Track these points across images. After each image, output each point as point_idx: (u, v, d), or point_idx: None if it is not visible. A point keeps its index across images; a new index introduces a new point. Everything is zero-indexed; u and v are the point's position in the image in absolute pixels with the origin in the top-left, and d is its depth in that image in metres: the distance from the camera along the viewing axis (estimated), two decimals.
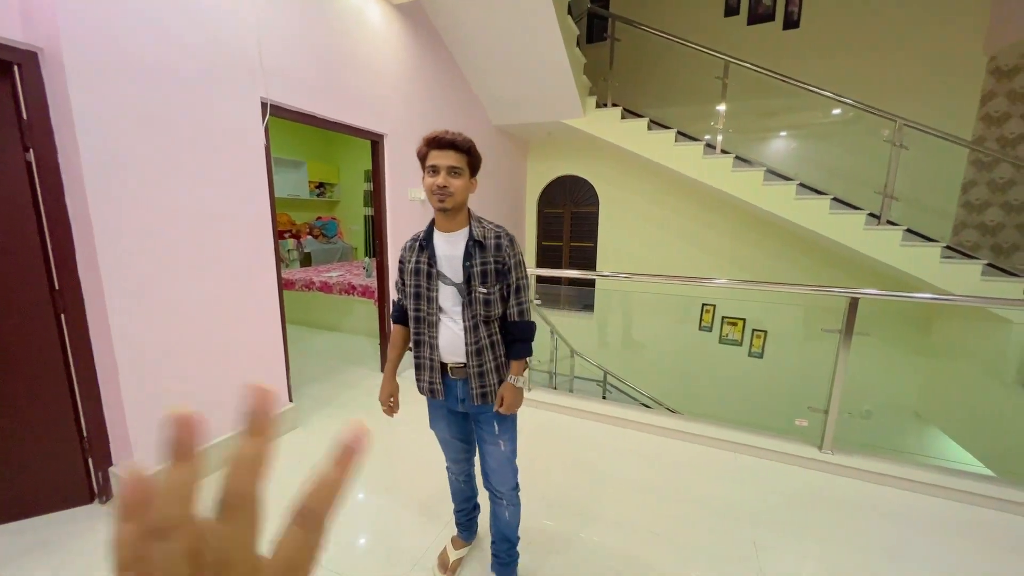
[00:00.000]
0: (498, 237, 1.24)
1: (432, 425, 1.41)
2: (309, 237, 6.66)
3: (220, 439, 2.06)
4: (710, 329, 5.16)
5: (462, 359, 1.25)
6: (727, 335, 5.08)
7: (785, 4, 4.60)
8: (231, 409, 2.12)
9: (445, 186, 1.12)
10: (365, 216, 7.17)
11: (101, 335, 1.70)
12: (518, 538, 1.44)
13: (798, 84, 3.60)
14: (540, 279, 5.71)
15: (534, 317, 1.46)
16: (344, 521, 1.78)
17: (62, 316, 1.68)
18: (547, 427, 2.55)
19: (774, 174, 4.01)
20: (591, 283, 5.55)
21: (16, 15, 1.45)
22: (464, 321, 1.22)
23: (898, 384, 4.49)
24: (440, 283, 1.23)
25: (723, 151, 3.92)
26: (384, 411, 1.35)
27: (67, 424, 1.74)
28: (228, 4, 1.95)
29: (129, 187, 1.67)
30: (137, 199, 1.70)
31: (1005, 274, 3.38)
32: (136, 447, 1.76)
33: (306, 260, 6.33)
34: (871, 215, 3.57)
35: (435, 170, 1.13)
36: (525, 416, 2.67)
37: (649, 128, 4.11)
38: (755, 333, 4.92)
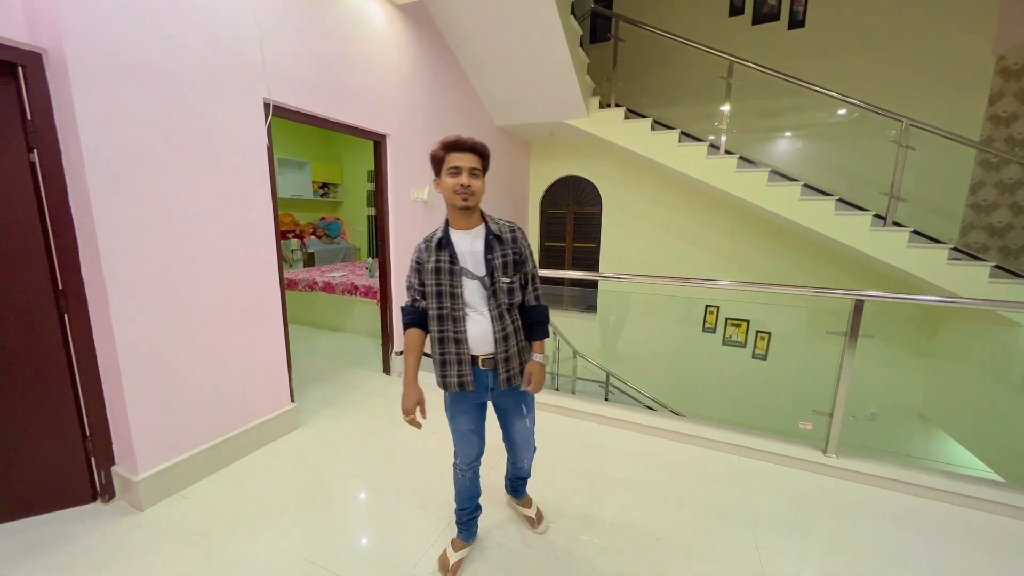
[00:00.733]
0: (512, 231, 1.36)
1: (454, 420, 1.43)
2: (313, 237, 6.69)
3: (222, 438, 2.07)
4: (714, 331, 5.14)
5: (491, 348, 1.32)
6: (731, 337, 5.06)
7: (790, 4, 4.57)
8: (233, 408, 2.13)
9: (468, 185, 1.23)
10: (368, 216, 7.19)
11: (104, 335, 1.71)
12: (530, 473, 1.70)
13: (803, 84, 3.58)
14: (543, 280, 5.70)
15: None
16: (343, 522, 1.78)
17: (65, 316, 1.69)
18: (548, 429, 2.54)
19: (779, 175, 3.99)
20: (594, 284, 5.53)
21: (20, 17, 1.46)
22: (490, 311, 1.31)
23: (904, 387, 4.45)
24: (464, 278, 1.29)
25: (727, 151, 3.90)
26: (408, 421, 1.32)
27: (70, 424, 1.75)
28: (230, 5, 1.96)
29: (132, 188, 1.68)
30: (140, 200, 1.70)
31: (1013, 276, 3.34)
32: (138, 447, 1.77)
33: (309, 260, 6.35)
34: (877, 216, 3.54)
35: (458, 171, 1.23)
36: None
37: (652, 128, 4.09)
38: (759, 335, 4.89)
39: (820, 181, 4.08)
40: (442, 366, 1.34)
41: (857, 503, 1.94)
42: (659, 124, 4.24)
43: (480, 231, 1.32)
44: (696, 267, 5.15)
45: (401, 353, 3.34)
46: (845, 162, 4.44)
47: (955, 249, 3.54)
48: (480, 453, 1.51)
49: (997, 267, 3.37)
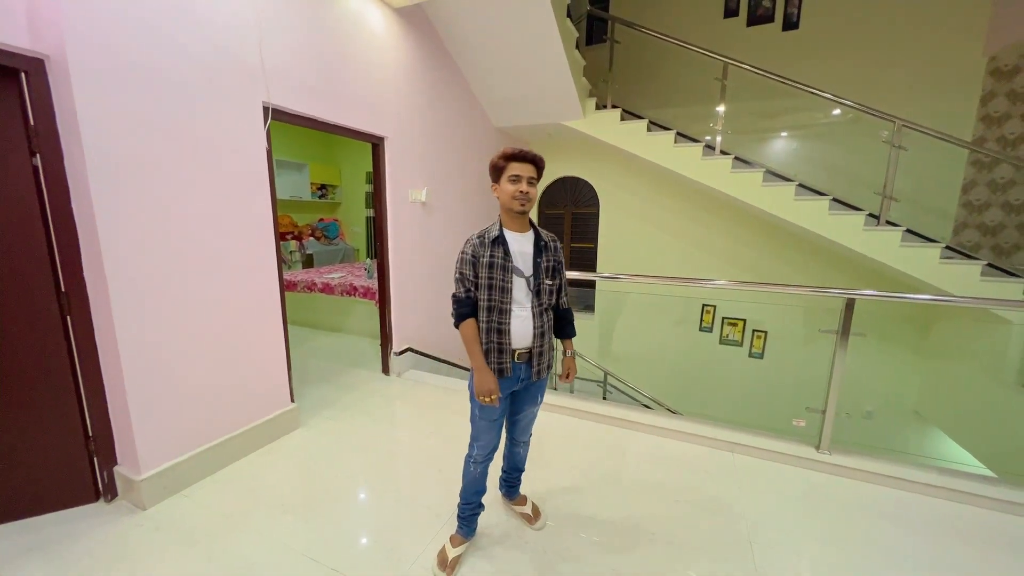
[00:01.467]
0: (554, 240, 1.54)
1: (484, 409, 1.47)
2: (311, 239, 6.70)
3: (223, 438, 2.09)
4: (710, 330, 5.18)
5: (528, 343, 1.45)
6: (727, 336, 5.10)
7: (784, 5, 4.61)
8: (234, 408, 2.15)
9: (527, 192, 1.37)
10: (367, 217, 7.21)
11: (106, 336, 1.73)
12: (525, 466, 1.81)
13: (797, 85, 3.62)
14: None
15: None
16: (343, 520, 1.80)
17: (68, 318, 1.71)
18: (545, 428, 2.57)
19: (774, 175, 4.03)
20: (591, 284, 5.57)
21: (23, 23, 1.48)
22: (532, 308, 1.44)
23: (899, 384, 4.49)
24: (514, 276, 1.41)
25: (723, 152, 3.94)
26: (489, 401, 1.40)
27: (73, 424, 1.77)
28: (229, 10, 1.98)
29: (133, 191, 1.70)
30: (141, 203, 1.72)
31: (1005, 274, 3.38)
32: (140, 446, 1.79)
33: (308, 261, 6.37)
34: (871, 216, 3.58)
35: (519, 179, 1.37)
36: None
37: (649, 129, 4.13)
38: (755, 334, 4.93)
39: (815, 181, 4.13)
40: (486, 355, 1.43)
41: (850, 499, 1.97)
42: (655, 125, 4.28)
43: (530, 236, 1.46)
44: (693, 266, 5.18)
45: (401, 353, 3.36)
46: (839, 162, 4.49)
47: (948, 248, 3.58)
48: (496, 446, 1.57)
49: (989, 265, 3.42)
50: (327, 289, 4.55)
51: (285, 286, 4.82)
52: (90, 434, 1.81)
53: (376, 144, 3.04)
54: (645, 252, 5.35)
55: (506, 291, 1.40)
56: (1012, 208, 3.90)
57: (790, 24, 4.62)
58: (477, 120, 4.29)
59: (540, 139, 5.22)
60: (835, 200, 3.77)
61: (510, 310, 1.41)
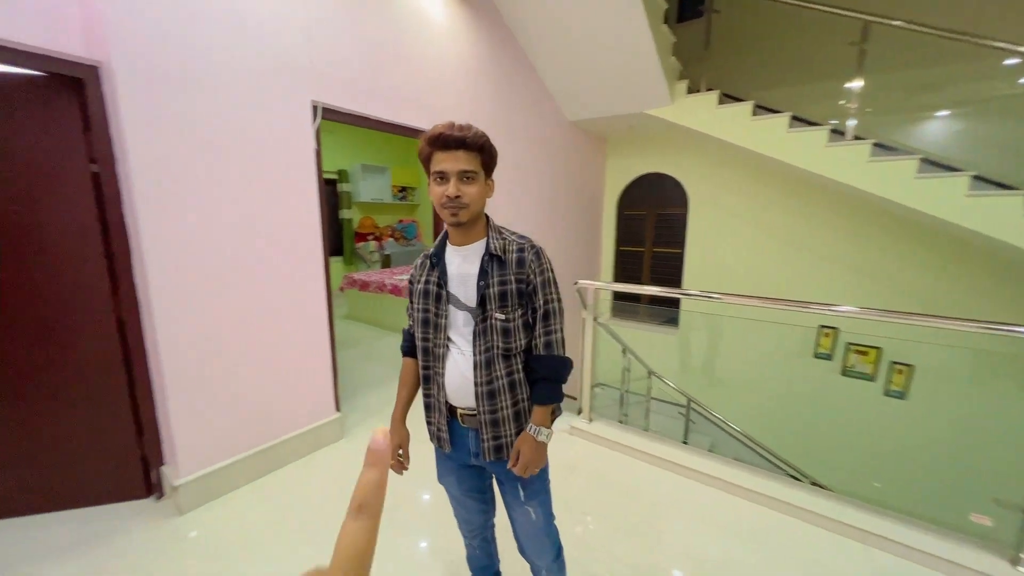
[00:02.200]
0: (521, 250, 1.01)
1: (440, 479, 1.17)
2: (390, 239, 6.94)
3: (263, 447, 2.04)
4: (829, 357, 4.21)
5: (470, 403, 1.02)
6: (852, 366, 4.10)
7: None
8: (276, 416, 2.10)
9: (457, 196, 0.92)
10: None
11: (150, 339, 1.74)
12: None
13: (976, 41, 2.68)
14: (617, 296, 5.21)
15: (588, 338, 1.14)
16: (383, 538, 1.61)
17: (122, 319, 1.75)
18: (607, 473, 2.16)
19: (933, 164, 3.08)
20: (674, 300, 4.90)
21: (78, 30, 1.51)
22: (476, 355, 0.99)
23: None
24: (451, 307, 1.02)
25: (857, 137, 3.10)
26: (391, 466, 1.11)
27: (125, 421, 1.83)
28: (278, 8, 1.91)
29: (177, 195, 1.68)
30: (185, 207, 1.71)
31: None
32: (180, 451, 1.78)
33: (386, 262, 6.59)
34: None
35: (443, 177, 0.93)
36: (581, 456, 2.31)
37: (754, 114, 3.43)
38: (895, 367, 3.88)
39: (999, 172, 3.07)
40: (426, 410, 1.10)
41: None
42: (762, 108, 3.55)
43: (478, 248, 1.02)
44: (807, 280, 4.27)
45: None
46: None
47: None
48: (483, 524, 1.21)
49: None
50: (395, 291, 4.58)
51: (360, 286, 5.00)
52: (142, 432, 1.85)
53: None
54: (744, 259, 4.54)
55: (439, 328, 1.03)
56: None
57: None
58: (548, 114, 3.95)
59: (620, 132, 4.72)
60: None
61: (444, 354, 1.03)
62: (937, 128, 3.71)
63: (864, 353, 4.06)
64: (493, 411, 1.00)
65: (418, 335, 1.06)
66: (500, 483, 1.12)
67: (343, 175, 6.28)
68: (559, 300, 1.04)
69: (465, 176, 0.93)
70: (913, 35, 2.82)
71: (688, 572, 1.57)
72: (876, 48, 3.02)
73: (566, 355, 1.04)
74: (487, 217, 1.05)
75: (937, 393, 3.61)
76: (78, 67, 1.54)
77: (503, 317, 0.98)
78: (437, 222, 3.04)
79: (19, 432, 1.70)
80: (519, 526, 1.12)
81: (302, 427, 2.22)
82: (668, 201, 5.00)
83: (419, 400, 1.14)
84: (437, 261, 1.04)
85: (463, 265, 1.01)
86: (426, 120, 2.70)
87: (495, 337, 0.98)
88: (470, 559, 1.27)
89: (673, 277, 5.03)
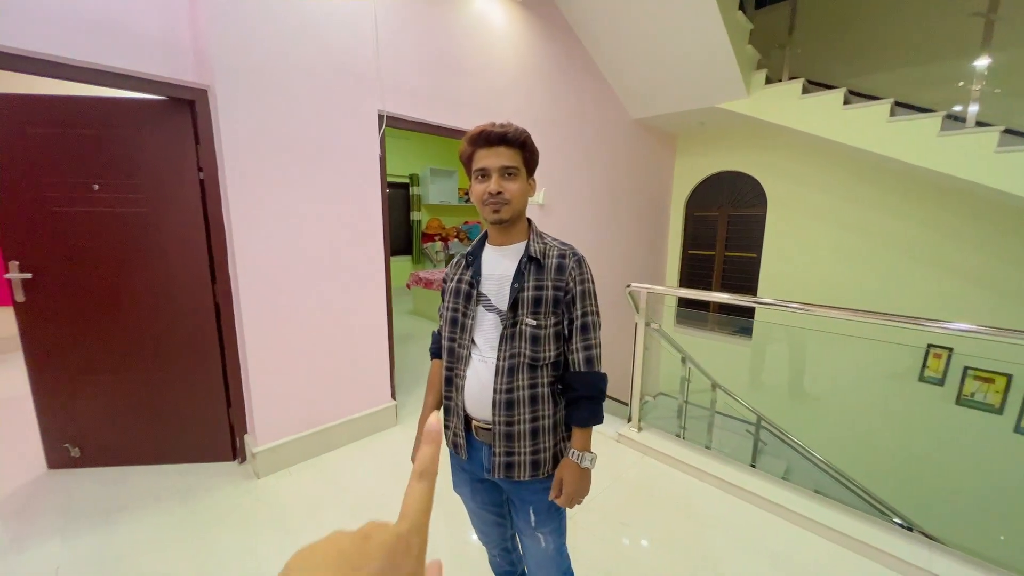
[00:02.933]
0: (562, 256, 0.97)
1: (455, 488, 1.13)
2: (456, 240, 7.23)
3: (325, 425, 2.24)
4: (941, 382, 3.60)
5: (486, 415, 0.96)
6: (972, 394, 3.46)
7: None
8: (338, 399, 2.30)
9: (499, 192, 0.91)
10: None
11: (238, 324, 2.00)
12: None
13: None
14: (683, 304, 4.92)
15: (645, 342, 1.10)
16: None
17: (218, 305, 2.04)
18: (655, 486, 2.06)
19: None
20: (749, 311, 4.52)
21: (191, 59, 1.79)
22: (499, 360, 0.94)
23: None
24: (480, 307, 0.99)
25: (979, 123, 2.64)
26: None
27: (218, 392, 2.12)
28: (350, 26, 2.10)
29: (260, 200, 1.92)
30: (266, 210, 1.95)
31: None
32: (258, 423, 2.03)
33: (450, 261, 6.88)
34: None
35: (484, 174, 0.92)
36: (626, 466, 2.23)
37: (846, 103, 3.06)
38: None
39: None
40: (445, 413, 1.06)
41: None
42: (855, 95, 3.16)
43: (517, 249, 0.98)
44: (911, 290, 3.70)
45: None
46: None
47: None
48: (501, 535, 1.16)
49: None
50: None
51: (425, 284, 5.27)
52: (230, 403, 2.13)
53: None
54: (833, 265, 4.06)
55: (466, 329, 0.99)
56: None
57: None
58: (610, 112, 3.86)
59: (690, 129, 4.47)
60: None
61: (468, 356, 0.99)
62: None
63: (989, 381, 3.42)
64: (509, 423, 0.94)
65: (445, 334, 1.05)
66: (512, 505, 1.07)
67: (414, 179, 6.66)
68: (598, 314, 0.99)
69: (507, 172, 0.92)
70: None
71: None
72: (1009, 18, 2.55)
73: (603, 372, 0.99)
74: (529, 220, 1.02)
75: None
76: (190, 90, 1.82)
77: (534, 323, 0.94)
78: None
79: (137, 394, 2.05)
80: (528, 551, 1.09)
81: (360, 411, 2.40)
82: (743, 201, 4.63)
83: None
84: (472, 260, 1.03)
85: (499, 266, 0.99)
86: (480, 123, 2.78)
87: (523, 344, 0.94)
88: (493, 564, 1.28)
89: (747, 283, 4.65)
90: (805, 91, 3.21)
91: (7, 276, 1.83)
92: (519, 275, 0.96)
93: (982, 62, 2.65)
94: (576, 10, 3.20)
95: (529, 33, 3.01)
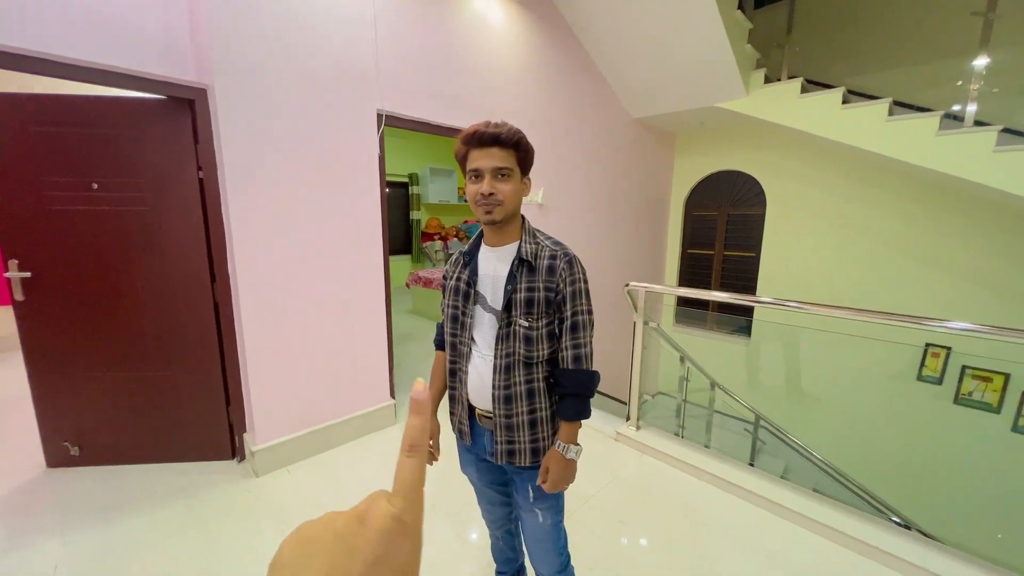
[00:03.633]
0: (553, 257, 0.99)
1: (462, 468, 1.21)
2: (455, 239, 7.23)
3: (325, 424, 2.25)
4: (939, 380, 3.62)
5: (487, 406, 1.03)
6: (969, 393, 3.48)
7: None
8: (337, 398, 2.31)
9: (492, 193, 0.93)
10: None
11: (237, 323, 2.00)
12: None
13: None
14: (682, 302, 4.93)
15: (643, 341, 1.12)
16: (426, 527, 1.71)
17: (217, 304, 2.04)
18: (652, 485, 2.06)
19: None
20: (747, 309, 4.53)
21: (191, 59, 1.79)
22: (496, 359, 1.00)
23: None
24: (477, 307, 1.03)
25: (978, 123, 2.64)
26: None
27: (217, 390, 2.12)
28: (349, 24, 2.10)
29: (260, 199, 1.92)
30: (264, 209, 1.95)
31: None
32: (257, 421, 2.03)
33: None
34: None
35: (478, 175, 0.94)
36: (624, 464, 2.23)
37: (845, 102, 3.06)
38: None
39: None
40: (450, 401, 1.13)
41: None
42: (855, 95, 3.16)
43: (512, 250, 1.01)
44: (910, 289, 3.71)
45: None
46: None
47: None
48: (505, 516, 1.24)
49: None
50: None
51: (424, 283, 5.27)
52: (229, 401, 2.14)
53: None
54: (832, 264, 4.07)
55: (465, 327, 1.04)
56: None
57: None
58: (610, 111, 3.86)
59: (689, 128, 4.47)
60: None
61: (468, 352, 1.04)
62: None
63: (987, 380, 3.43)
64: (508, 416, 1.00)
65: (447, 330, 1.10)
66: (512, 482, 1.14)
67: (413, 178, 6.66)
68: (590, 313, 1.02)
69: (500, 173, 0.93)
70: None
71: None
72: (1007, 17, 2.55)
73: (594, 369, 1.02)
74: (523, 219, 1.04)
75: None
76: (190, 90, 1.83)
77: (527, 324, 0.98)
78: None
79: (136, 393, 2.05)
80: (526, 527, 1.14)
81: (359, 410, 2.41)
82: (742, 200, 4.64)
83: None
84: (470, 260, 1.06)
85: (494, 266, 1.02)
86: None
87: (517, 344, 0.98)
88: (494, 550, 1.30)
89: (746, 282, 4.65)
90: (804, 90, 3.22)
91: (6, 275, 1.83)
92: (512, 277, 0.99)
93: (980, 61, 2.66)
94: (575, 9, 3.20)
95: (528, 32, 3.01)
